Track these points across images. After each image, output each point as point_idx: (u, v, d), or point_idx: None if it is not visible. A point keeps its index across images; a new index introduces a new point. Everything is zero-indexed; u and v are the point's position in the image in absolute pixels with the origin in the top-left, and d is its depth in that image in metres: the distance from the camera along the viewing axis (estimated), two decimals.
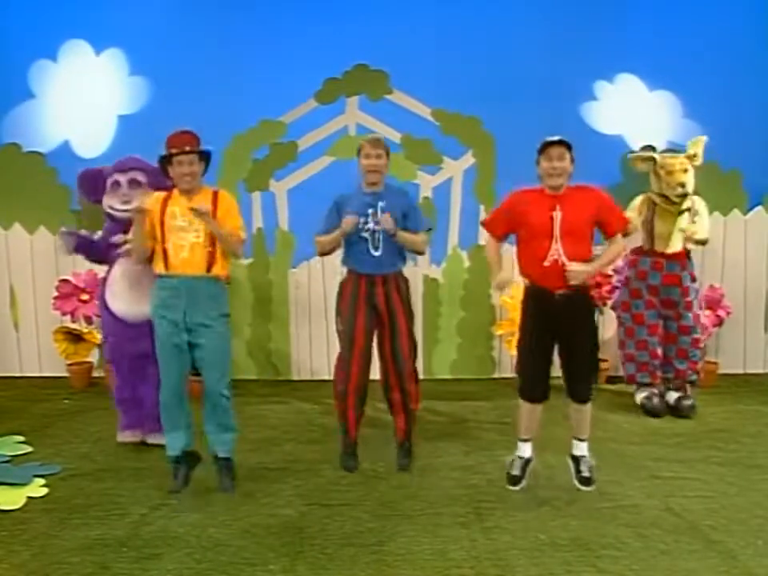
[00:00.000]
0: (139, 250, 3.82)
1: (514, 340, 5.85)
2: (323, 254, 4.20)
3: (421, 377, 6.17)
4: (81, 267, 5.99)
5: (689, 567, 3.05)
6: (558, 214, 3.54)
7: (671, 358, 5.41)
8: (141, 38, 6.31)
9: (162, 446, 4.15)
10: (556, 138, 3.57)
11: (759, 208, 6.34)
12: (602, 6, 6.41)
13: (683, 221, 5.25)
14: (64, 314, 6.03)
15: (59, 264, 6.31)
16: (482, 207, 6.28)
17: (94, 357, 6.23)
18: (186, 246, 3.68)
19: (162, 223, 3.69)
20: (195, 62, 6.22)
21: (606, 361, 6.10)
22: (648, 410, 5.28)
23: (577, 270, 3.52)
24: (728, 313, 5.96)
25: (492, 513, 3.60)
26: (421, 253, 4.37)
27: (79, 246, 4.61)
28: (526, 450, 3.86)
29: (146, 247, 3.78)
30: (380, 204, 3.93)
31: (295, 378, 6.45)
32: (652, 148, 6.12)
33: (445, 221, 6.30)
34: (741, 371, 6.41)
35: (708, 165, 6.02)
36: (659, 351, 5.38)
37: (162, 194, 3.80)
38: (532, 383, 3.76)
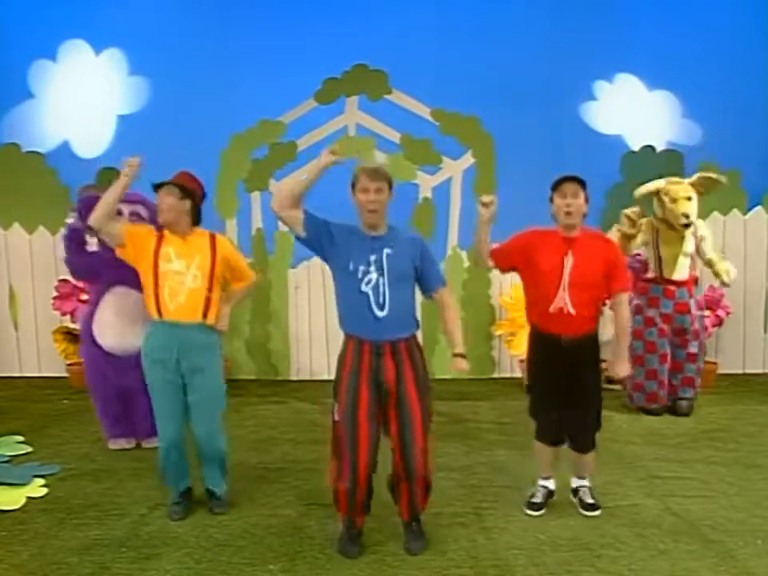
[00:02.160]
0: (107, 212, 3.44)
1: (514, 340, 5.90)
2: (282, 202, 3.09)
3: None
4: None
5: (688, 567, 3.05)
6: (569, 260, 3.40)
7: (676, 387, 5.36)
8: (140, 38, 6.32)
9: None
10: (570, 175, 3.43)
11: (759, 208, 6.35)
12: (602, 7, 6.43)
13: (688, 245, 5.21)
14: (63, 314, 6.03)
15: (59, 264, 6.30)
16: (477, 206, 6.27)
17: None
18: (182, 290, 3.43)
19: (156, 266, 3.44)
20: (195, 62, 6.24)
21: (604, 361, 6.09)
22: (648, 411, 5.33)
23: (624, 370, 3.66)
24: (727, 313, 5.96)
25: (491, 513, 3.60)
26: None
27: (75, 239, 4.58)
28: (550, 484, 3.75)
29: (113, 208, 3.47)
30: (386, 251, 3.10)
31: (294, 378, 6.45)
32: (651, 148, 6.15)
33: (444, 221, 6.30)
34: (740, 371, 6.42)
35: (707, 165, 6.05)
36: (666, 380, 5.31)
37: (154, 232, 3.56)
38: (550, 428, 3.63)
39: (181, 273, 3.44)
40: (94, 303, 4.61)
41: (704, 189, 5.21)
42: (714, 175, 5.22)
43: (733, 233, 6.33)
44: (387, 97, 6.25)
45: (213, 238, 3.58)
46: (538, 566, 3.07)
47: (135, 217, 4.47)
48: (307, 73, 6.18)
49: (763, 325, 6.47)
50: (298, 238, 3.20)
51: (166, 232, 3.52)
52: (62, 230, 4.66)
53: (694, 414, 5.26)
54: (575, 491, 3.72)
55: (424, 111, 6.25)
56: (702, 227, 5.33)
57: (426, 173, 6.29)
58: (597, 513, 3.60)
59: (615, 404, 5.49)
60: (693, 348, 5.30)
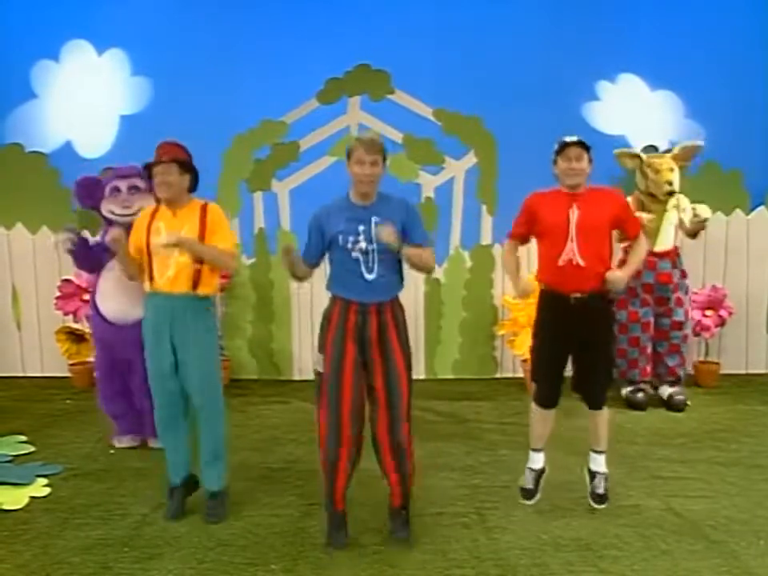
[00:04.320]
0: (128, 272, 3.70)
1: (517, 340, 5.89)
2: (295, 278, 3.49)
3: (423, 377, 6.26)
4: None
5: (690, 567, 3.05)
6: (574, 213, 3.44)
7: (662, 354, 5.52)
8: (142, 38, 6.32)
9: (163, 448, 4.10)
10: (574, 138, 3.47)
11: (761, 208, 6.34)
12: (604, 6, 6.41)
13: (671, 216, 5.40)
14: (66, 314, 6.04)
15: (61, 264, 6.31)
16: (483, 207, 6.30)
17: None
18: (170, 264, 3.45)
19: (148, 240, 3.51)
20: (197, 62, 6.23)
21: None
22: (632, 404, 5.40)
23: (618, 277, 3.44)
24: (730, 313, 5.95)
25: (493, 513, 3.61)
26: (430, 271, 3.67)
27: (78, 245, 4.60)
28: (538, 460, 3.73)
29: (134, 270, 3.64)
30: (373, 219, 3.22)
31: (297, 377, 6.45)
32: (654, 148, 6.14)
33: (447, 221, 6.30)
34: (743, 371, 6.40)
35: (709, 164, 6.05)
36: (649, 349, 5.49)
37: (150, 208, 3.65)
38: (546, 390, 3.65)
39: (168, 246, 3.44)
40: (98, 273, 4.65)
41: (685, 159, 5.45)
42: (690, 143, 5.51)
43: (735, 233, 6.32)
44: (389, 97, 6.23)
45: (204, 207, 3.56)
46: (540, 566, 3.08)
47: (134, 189, 4.51)
48: (309, 73, 6.18)
49: (766, 325, 6.45)
50: None
51: (162, 206, 3.58)
52: (63, 241, 4.62)
53: (696, 415, 5.25)
54: (592, 475, 3.69)
55: (426, 111, 6.24)
56: (684, 200, 5.48)
57: (428, 173, 6.29)
58: (603, 506, 3.61)
59: (617, 403, 5.47)
60: (677, 316, 5.45)
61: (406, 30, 6.23)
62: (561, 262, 3.46)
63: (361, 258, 3.22)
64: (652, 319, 5.46)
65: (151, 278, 3.52)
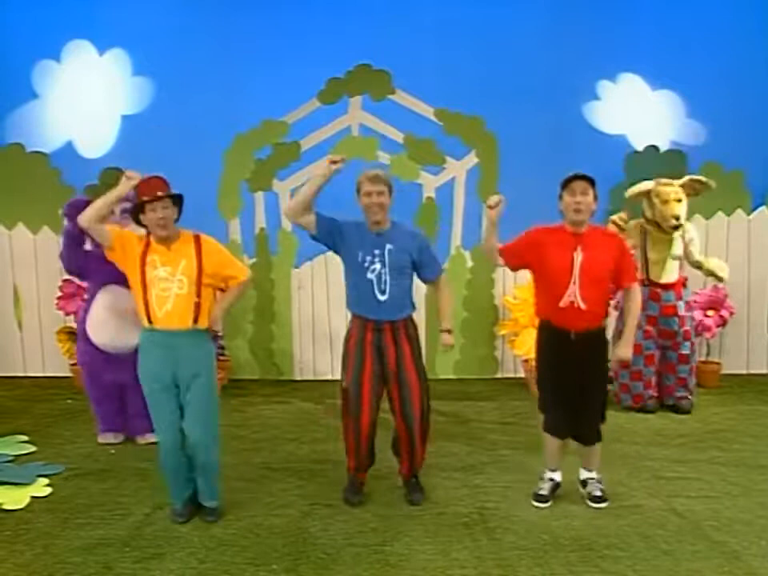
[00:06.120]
0: (100, 216, 3.44)
1: (517, 340, 5.89)
2: (295, 211, 3.58)
3: None
4: None
5: (692, 567, 3.05)
6: (578, 256, 3.46)
7: (671, 387, 5.39)
8: (144, 38, 6.32)
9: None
10: (580, 173, 3.47)
11: (762, 208, 6.34)
12: (605, 6, 6.41)
13: (676, 247, 5.27)
14: (67, 313, 6.04)
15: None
16: (484, 207, 6.29)
17: None
18: (169, 297, 3.38)
19: (143, 273, 3.40)
20: (198, 63, 6.24)
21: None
22: (639, 410, 5.34)
23: (625, 355, 3.69)
24: (731, 313, 5.95)
25: (495, 513, 3.60)
26: None
27: (74, 238, 4.54)
28: (557, 475, 3.80)
29: (103, 219, 3.45)
30: (388, 246, 3.58)
31: (297, 377, 6.45)
32: (655, 148, 6.13)
33: (448, 221, 6.30)
34: (744, 371, 6.40)
35: (710, 165, 6.04)
36: (653, 381, 5.37)
37: (141, 234, 3.50)
38: (558, 421, 3.66)
39: (166, 279, 3.39)
40: (88, 301, 4.66)
41: (693, 191, 5.26)
42: (703, 179, 5.28)
43: (737, 233, 6.32)
44: (390, 97, 6.23)
45: (198, 239, 3.51)
46: (542, 566, 3.07)
47: (127, 213, 4.42)
48: (310, 73, 6.17)
49: (767, 325, 6.45)
50: (311, 237, 3.67)
51: (152, 238, 3.46)
52: (64, 226, 4.67)
53: (698, 415, 5.25)
54: (584, 483, 3.75)
55: (427, 111, 6.24)
56: (690, 230, 5.37)
57: (429, 173, 6.29)
58: (604, 505, 3.63)
59: (623, 411, 5.47)
60: (684, 349, 5.33)
61: (407, 30, 6.23)
62: (562, 304, 3.49)
63: (374, 280, 3.59)
64: (657, 352, 5.34)
65: (147, 312, 3.42)
